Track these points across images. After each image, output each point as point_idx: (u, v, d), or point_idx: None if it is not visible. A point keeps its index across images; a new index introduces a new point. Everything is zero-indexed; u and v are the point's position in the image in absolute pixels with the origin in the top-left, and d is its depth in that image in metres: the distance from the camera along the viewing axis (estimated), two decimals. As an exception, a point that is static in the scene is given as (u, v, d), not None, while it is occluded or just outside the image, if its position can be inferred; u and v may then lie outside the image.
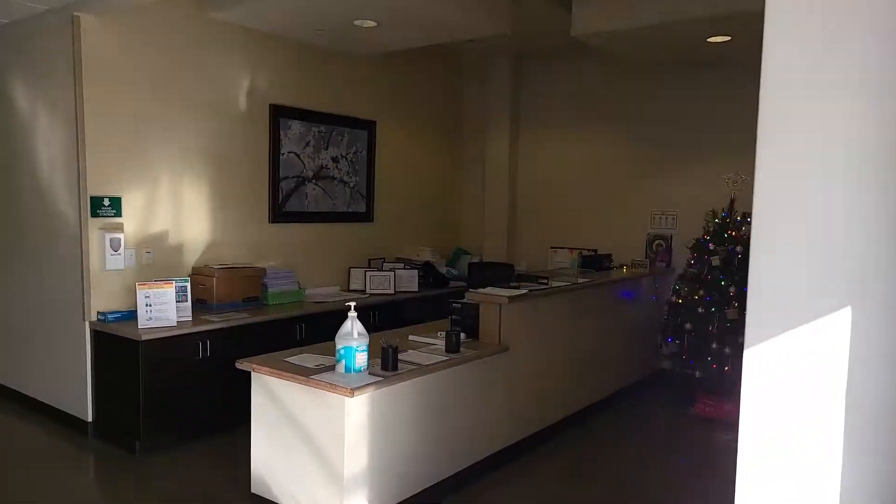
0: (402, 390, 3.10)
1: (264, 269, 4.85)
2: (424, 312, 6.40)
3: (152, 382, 3.89)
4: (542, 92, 6.48)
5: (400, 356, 3.09)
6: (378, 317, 5.19)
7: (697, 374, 4.85)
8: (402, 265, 5.96)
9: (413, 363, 3.19)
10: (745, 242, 4.85)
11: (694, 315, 4.87)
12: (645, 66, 5.68)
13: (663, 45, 4.83)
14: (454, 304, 3.93)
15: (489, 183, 6.73)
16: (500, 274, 5.97)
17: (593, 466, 3.98)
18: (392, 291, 5.57)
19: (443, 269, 6.36)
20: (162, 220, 4.45)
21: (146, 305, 3.97)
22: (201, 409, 4.14)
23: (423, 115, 6.55)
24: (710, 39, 4.52)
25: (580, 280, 4.45)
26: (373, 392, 2.89)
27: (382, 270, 5.69)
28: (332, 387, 2.80)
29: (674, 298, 5.11)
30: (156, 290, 4.05)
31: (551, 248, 6.23)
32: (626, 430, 4.63)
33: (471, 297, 3.84)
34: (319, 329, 4.66)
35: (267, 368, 3.07)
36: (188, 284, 4.27)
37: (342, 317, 2.91)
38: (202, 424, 4.18)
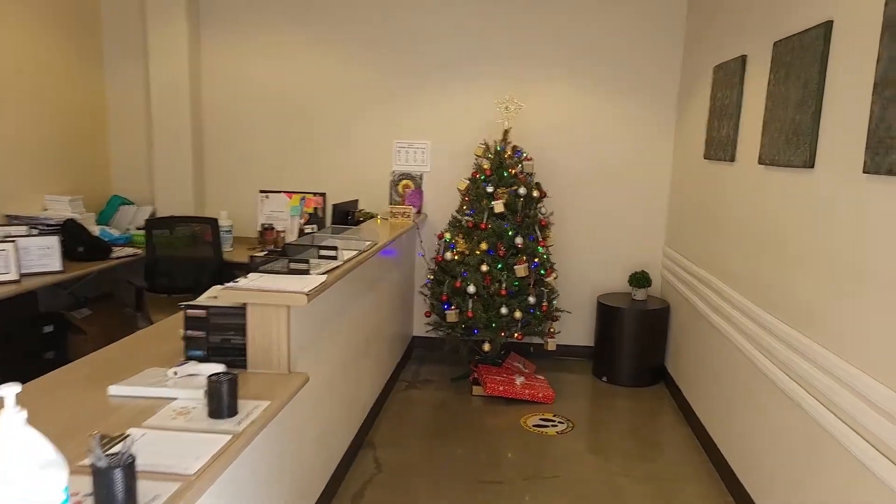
0: (157, 554, 1.36)
1: None
2: (86, 306, 4.16)
3: None
4: (235, -30, 4.57)
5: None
6: (-4, 328, 2.93)
7: (487, 345, 3.95)
8: (25, 228, 3.60)
9: (167, 474, 1.44)
10: (528, 183, 4.04)
11: (477, 274, 3.91)
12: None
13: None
14: (191, 311, 2.16)
15: (159, 102, 4.59)
16: (196, 232, 4.11)
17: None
18: (15, 277, 3.26)
19: (94, 230, 4.15)
20: None
21: None
22: None
23: (39, -21, 4.02)
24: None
25: (367, 243, 3.03)
26: None
27: (-9, 242, 3.29)
28: None
29: (445, 254, 4.06)
30: None
31: (261, 192, 4.55)
32: (414, 436, 3.49)
33: (226, 296, 2.12)
34: None
35: None
36: None
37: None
38: None
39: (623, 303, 4.28)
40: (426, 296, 4.25)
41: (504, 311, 3.87)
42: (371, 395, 3.55)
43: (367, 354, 3.39)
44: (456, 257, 4.00)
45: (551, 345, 4.02)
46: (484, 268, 3.88)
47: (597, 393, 4.11)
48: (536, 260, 3.98)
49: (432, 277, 4.19)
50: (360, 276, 3.14)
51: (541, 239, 4.00)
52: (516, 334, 3.96)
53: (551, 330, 4.07)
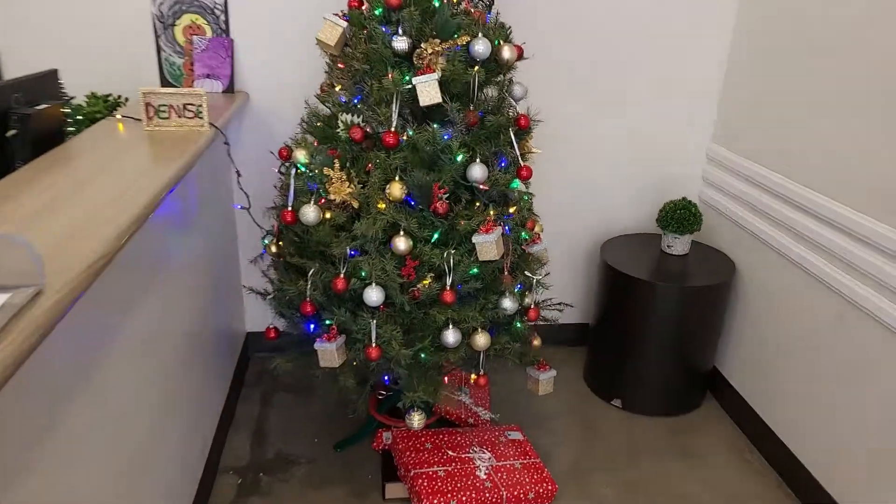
0: None
1: None
2: None
3: None
4: None
5: None
6: None
7: (416, 419, 1.79)
8: None
9: None
10: (490, 30, 1.69)
11: (384, 260, 1.64)
12: None
13: None
14: None
15: None
16: None
17: None
18: None
19: None
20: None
21: None
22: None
23: None
24: None
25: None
26: None
27: None
28: None
29: (303, 211, 1.68)
30: None
31: None
32: None
33: None
34: None
35: None
36: None
37: None
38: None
39: (647, 265, 2.26)
40: (263, 295, 1.91)
41: (451, 337, 1.68)
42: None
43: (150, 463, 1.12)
44: (329, 217, 1.67)
45: (544, 386, 1.93)
46: (401, 244, 1.60)
47: (617, 444, 2.18)
48: (512, 210, 1.77)
49: (276, 254, 1.84)
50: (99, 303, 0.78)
51: (521, 162, 1.74)
52: (476, 376, 1.82)
53: (534, 346, 1.96)
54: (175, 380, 1.64)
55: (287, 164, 1.82)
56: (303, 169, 1.72)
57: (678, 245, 2.31)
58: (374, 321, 1.66)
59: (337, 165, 1.66)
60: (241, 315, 2.45)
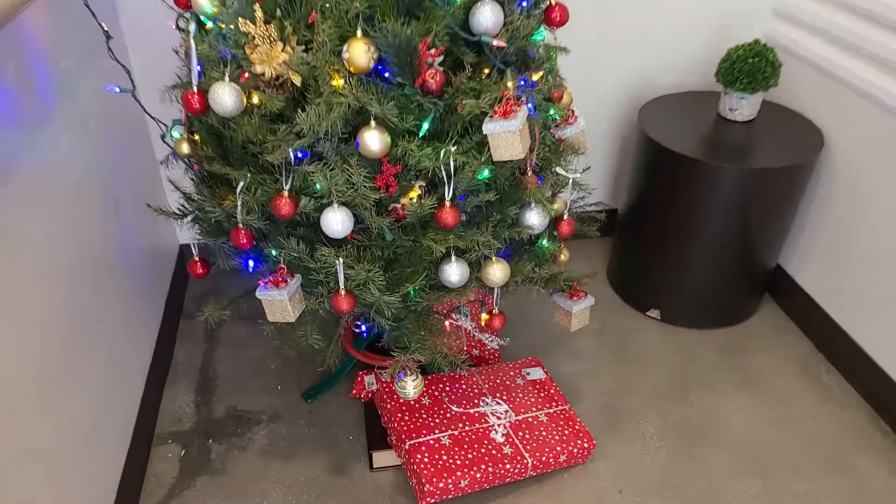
0: None
1: None
2: None
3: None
4: None
5: None
6: None
7: (409, 385, 1.30)
8: None
9: None
10: None
11: (351, 167, 1.05)
12: None
13: None
14: None
15: None
16: None
17: None
18: None
19: None
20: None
21: None
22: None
23: None
24: None
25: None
26: None
27: None
28: None
29: (216, 92, 1.06)
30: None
31: None
32: None
33: None
34: None
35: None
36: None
37: None
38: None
39: (702, 137, 1.70)
40: (179, 216, 1.33)
41: (454, 274, 1.15)
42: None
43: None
44: (257, 102, 1.06)
45: (578, 319, 1.43)
46: (373, 141, 1.01)
47: (658, 371, 1.75)
48: (537, 78, 1.16)
49: (189, 155, 1.24)
50: None
51: (552, -1, 1.12)
52: (489, 315, 1.32)
53: (561, 262, 1.44)
54: (79, 324, 1.13)
55: (187, 15, 1.17)
56: (209, 24, 1.09)
57: (744, 107, 1.73)
58: (341, 260, 1.11)
59: (260, 15, 1.02)
60: (170, 226, 1.89)
